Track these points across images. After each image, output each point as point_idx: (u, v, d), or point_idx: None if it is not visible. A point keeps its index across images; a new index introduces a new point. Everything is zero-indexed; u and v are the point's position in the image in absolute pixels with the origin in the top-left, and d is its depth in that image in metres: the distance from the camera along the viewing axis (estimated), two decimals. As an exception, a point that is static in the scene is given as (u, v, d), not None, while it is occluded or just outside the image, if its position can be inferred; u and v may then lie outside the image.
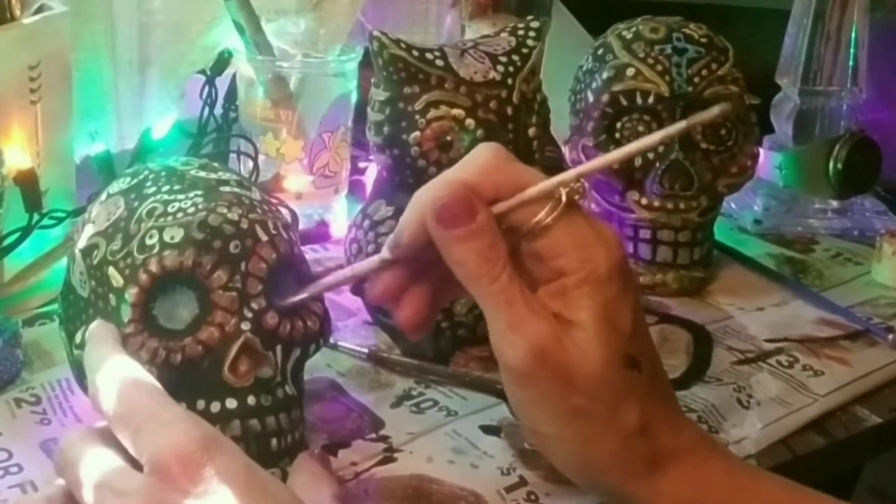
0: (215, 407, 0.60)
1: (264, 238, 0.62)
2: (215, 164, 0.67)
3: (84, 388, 0.62)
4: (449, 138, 0.75)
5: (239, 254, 0.61)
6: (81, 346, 0.61)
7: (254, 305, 0.61)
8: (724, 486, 0.56)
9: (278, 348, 0.61)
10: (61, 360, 0.75)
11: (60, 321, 0.66)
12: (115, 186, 0.65)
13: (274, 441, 0.60)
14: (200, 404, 0.60)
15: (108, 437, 0.53)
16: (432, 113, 0.75)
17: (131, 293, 0.60)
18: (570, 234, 0.54)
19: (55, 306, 0.82)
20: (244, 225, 0.61)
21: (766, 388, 0.78)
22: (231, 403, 0.60)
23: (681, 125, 0.54)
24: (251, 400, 0.60)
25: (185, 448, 0.50)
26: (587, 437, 0.55)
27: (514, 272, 0.54)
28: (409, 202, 0.57)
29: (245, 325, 0.60)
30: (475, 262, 0.54)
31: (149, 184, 0.64)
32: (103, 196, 0.65)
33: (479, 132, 0.75)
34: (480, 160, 0.56)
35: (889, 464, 1.07)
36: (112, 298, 0.61)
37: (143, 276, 0.60)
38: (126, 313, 0.60)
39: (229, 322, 0.60)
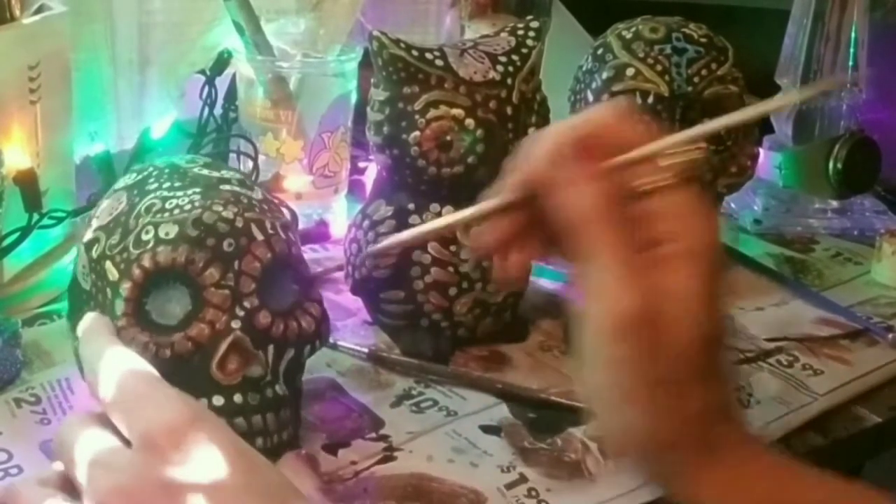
0: (202, 403, 0.60)
1: (260, 237, 0.62)
2: (220, 163, 0.68)
3: None
4: (449, 138, 0.75)
5: (232, 252, 0.61)
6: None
7: (246, 304, 0.61)
8: (770, 480, 0.55)
9: (270, 348, 0.61)
10: (61, 360, 0.76)
11: (68, 315, 0.67)
12: (122, 182, 0.66)
13: (259, 440, 0.61)
14: None
15: (104, 422, 0.53)
16: (432, 113, 0.75)
17: (124, 287, 0.60)
18: (681, 202, 0.53)
19: (55, 306, 0.83)
20: (239, 223, 0.61)
21: (765, 387, 0.78)
22: (218, 401, 0.60)
23: (794, 96, 0.53)
24: (238, 398, 0.60)
25: (172, 422, 0.50)
26: (657, 409, 0.54)
27: (623, 228, 0.53)
28: (530, 142, 0.56)
29: (235, 324, 0.60)
30: (590, 208, 0.52)
31: (151, 180, 0.64)
32: (111, 191, 0.66)
33: (479, 132, 0.75)
34: (605, 113, 0.55)
35: (889, 464, 1.07)
36: (108, 292, 0.61)
37: (137, 271, 0.60)
38: (119, 307, 0.60)
39: (220, 319, 0.60)
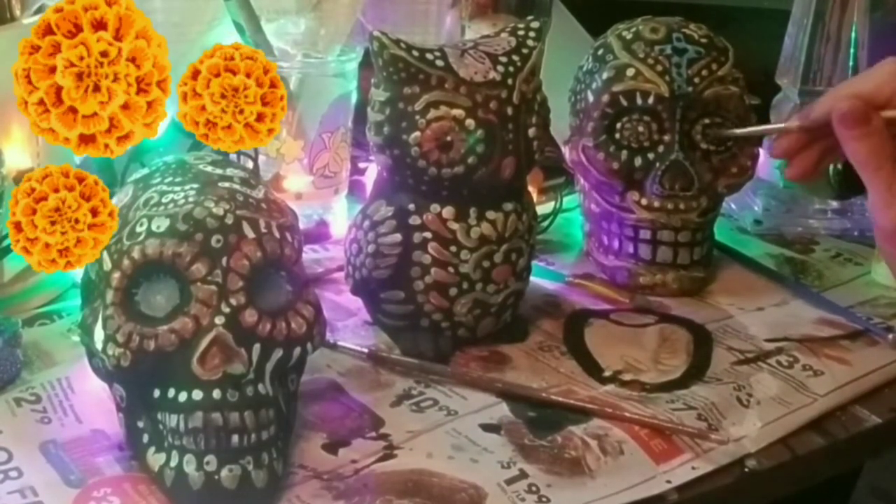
0: (182, 396, 0.61)
1: (251, 235, 0.62)
2: (229, 161, 0.68)
3: (94, 367, 0.64)
4: (449, 138, 0.75)
5: (220, 248, 0.61)
6: (82, 325, 0.64)
7: (232, 301, 0.61)
8: None
9: (256, 347, 0.62)
10: (61, 360, 0.76)
11: (81, 305, 0.68)
12: (133, 175, 0.68)
13: (235, 437, 0.61)
14: (171, 392, 0.61)
15: None
16: (432, 113, 0.75)
17: (114, 277, 0.61)
18: None
19: (55, 306, 0.83)
20: (229, 220, 0.62)
21: (765, 388, 0.78)
22: (197, 395, 0.61)
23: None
24: (216, 394, 0.61)
25: None
26: None
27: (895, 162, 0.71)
28: (824, 96, 0.76)
29: (219, 320, 0.61)
30: (865, 155, 0.71)
31: (157, 174, 0.66)
32: (126, 183, 0.68)
33: (479, 132, 0.75)
34: (878, 74, 0.74)
35: (889, 464, 1.07)
36: (103, 281, 0.62)
37: (126, 262, 0.61)
38: (108, 296, 0.61)
39: (204, 315, 0.61)
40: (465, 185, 0.76)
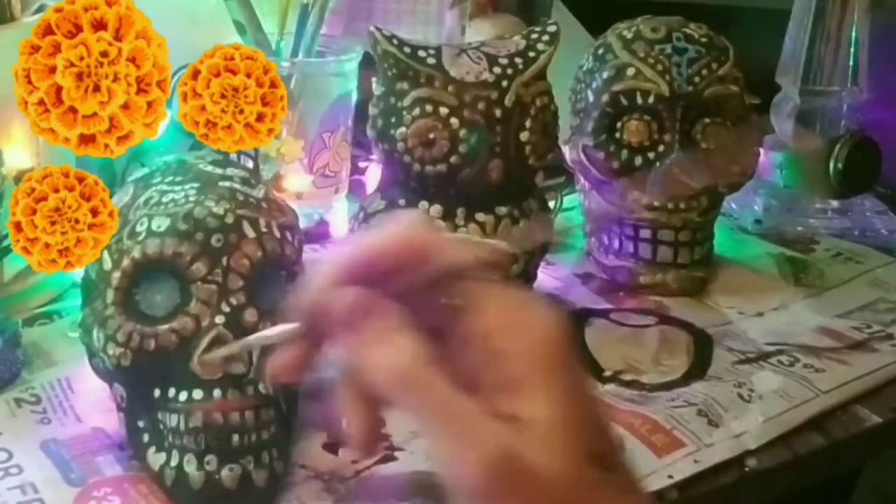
0: (183, 396, 0.61)
1: (251, 235, 0.62)
2: (229, 160, 0.68)
3: (94, 367, 0.65)
4: (432, 136, 0.75)
5: (221, 248, 0.61)
6: (82, 324, 0.64)
7: (233, 301, 0.61)
8: None
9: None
10: (61, 360, 0.76)
11: (81, 305, 0.67)
12: (133, 175, 0.68)
13: (235, 437, 0.61)
14: (171, 392, 0.61)
15: None
16: (418, 110, 0.75)
17: (115, 276, 0.61)
18: (499, 308, 0.44)
19: (55, 306, 0.83)
20: (229, 220, 0.62)
21: (767, 383, 0.78)
22: (197, 394, 0.60)
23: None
24: (217, 393, 0.61)
25: None
26: None
27: (444, 373, 0.42)
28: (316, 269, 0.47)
29: (220, 319, 0.61)
30: (401, 370, 0.43)
31: (157, 174, 0.66)
32: (126, 182, 0.68)
33: (463, 132, 0.75)
34: (389, 234, 0.46)
35: (889, 464, 1.07)
36: (103, 281, 0.62)
37: (126, 262, 0.61)
38: (109, 296, 0.62)
39: (205, 314, 0.61)
40: (451, 185, 0.76)
